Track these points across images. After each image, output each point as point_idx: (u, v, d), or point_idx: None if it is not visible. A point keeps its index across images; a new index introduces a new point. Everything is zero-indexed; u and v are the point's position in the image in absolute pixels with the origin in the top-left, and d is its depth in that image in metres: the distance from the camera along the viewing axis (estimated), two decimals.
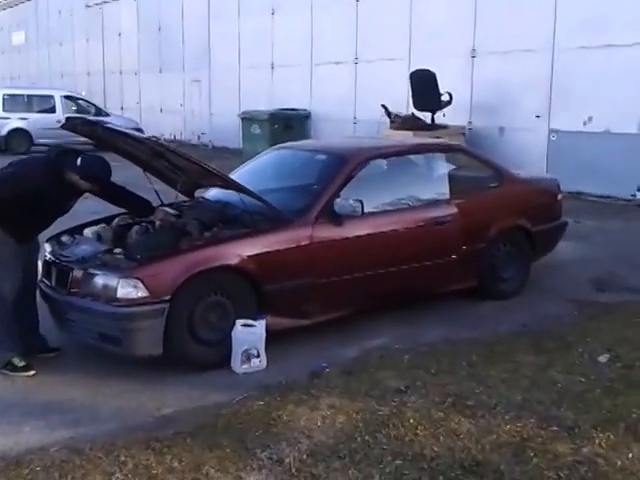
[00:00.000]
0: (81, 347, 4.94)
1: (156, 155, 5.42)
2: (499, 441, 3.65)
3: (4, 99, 19.68)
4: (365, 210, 5.11)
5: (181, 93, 20.98)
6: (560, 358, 4.74)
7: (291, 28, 16.09)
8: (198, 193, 6.05)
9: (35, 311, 4.93)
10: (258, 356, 4.70)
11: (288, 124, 14.20)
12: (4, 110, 19.50)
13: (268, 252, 4.85)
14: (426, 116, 12.05)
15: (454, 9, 12.48)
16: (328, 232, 5.07)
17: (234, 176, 6.11)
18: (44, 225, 4.84)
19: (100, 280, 4.53)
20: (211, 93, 19.58)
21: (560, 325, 5.45)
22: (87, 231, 5.36)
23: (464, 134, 11.91)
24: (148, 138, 5.19)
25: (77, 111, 20.42)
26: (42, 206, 4.61)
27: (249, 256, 4.74)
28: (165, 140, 20.92)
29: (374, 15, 13.97)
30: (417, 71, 11.96)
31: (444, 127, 11.85)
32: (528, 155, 11.19)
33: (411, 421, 3.86)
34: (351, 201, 4.99)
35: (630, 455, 3.48)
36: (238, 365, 4.66)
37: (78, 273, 4.67)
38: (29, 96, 20.24)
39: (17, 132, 19.30)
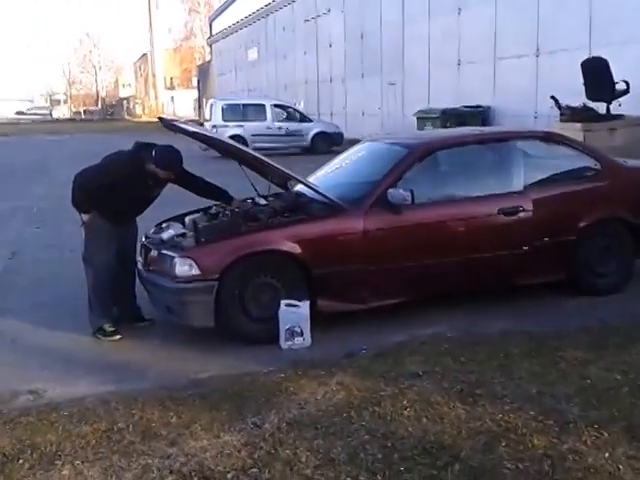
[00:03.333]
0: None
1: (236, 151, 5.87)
2: (480, 429, 3.53)
3: (223, 109, 21.77)
4: (426, 200, 5.16)
5: (379, 96, 21.54)
6: (611, 355, 4.37)
7: (476, 24, 15.89)
8: (290, 185, 6.39)
9: (132, 285, 5.59)
10: (302, 334, 4.94)
11: (461, 121, 14.03)
12: (223, 119, 21.57)
13: (318, 238, 5.07)
14: (599, 106, 11.20)
15: None
16: (383, 221, 5.15)
17: (327, 168, 6.42)
18: (134, 211, 5.50)
19: (166, 259, 5.09)
20: (404, 94, 19.88)
21: None
22: (188, 218, 5.96)
23: None
24: (205, 134, 5.64)
25: (286, 118, 22.01)
26: (128, 194, 5.25)
27: (298, 241, 5.00)
28: None
29: (554, 3, 13.30)
30: (588, 59, 11.16)
31: (620, 117, 10.91)
32: None
33: (404, 402, 3.86)
34: (401, 190, 5.04)
35: (607, 454, 3.20)
36: (283, 341, 4.94)
37: (154, 253, 5.28)
38: (244, 106, 22.15)
39: (234, 138, 21.15)
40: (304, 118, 21.94)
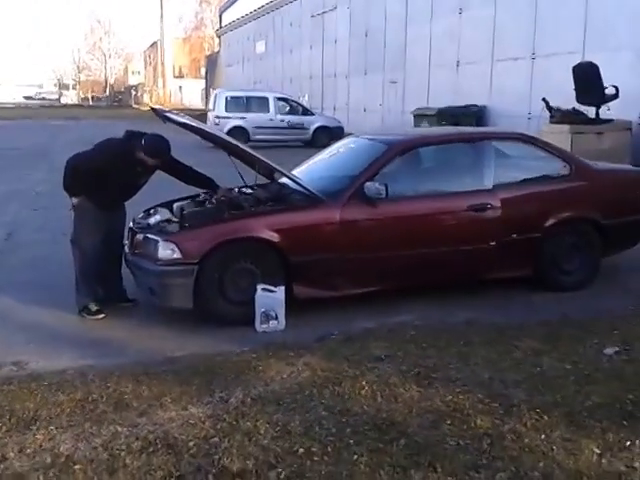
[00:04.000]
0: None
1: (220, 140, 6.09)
2: (430, 409, 3.76)
3: (227, 101, 22.03)
4: (401, 194, 5.44)
5: (380, 93, 21.76)
6: (566, 346, 4.59)
7: (475, 26, 16.13)
8: (277, 176, 6.61)
9: (119, 268, 5.81)
10: (276, 318, 5.17)
11: (456, 120, 14.23)
12: (227, 110, 21.79)
13: (296, 227, 5.31)
14: (588, 110, 11.42)
15: (625, 1, 11.78)
16: (359, 213, 5.39)
17: (312, 161, 6.66)
18: (123, 196, 5.72)
19: (151, 243, 5.32)
20: (405, 92, 20.10)
21: (602, 318, 5.17)
22: (176, 205, 6.18)
23: (631, 129, 11.09)
24: (194, 125, 5.81)
25: (289, 111, 22.20)
26: (118, 179, 5.47)
27: (276, 229, 5.23)
28: None
29: (551, 9, 13.55)
30: (579, 64, 11.40)
31: (608, 121, 11.13)
32: None
33: (363, 383, 4.08)
34: (377, 185, 5.28)
35: (544, 436, 3.42)
36: (258, 324, 5.18)
37: (139, 237, 5.52)
38: (247, 98, 22.41)
39: (237, 129, 21.39)
40: (306, 112, 22.16)
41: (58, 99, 78.63)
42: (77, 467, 3.25)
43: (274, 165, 5.71)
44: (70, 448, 3.43)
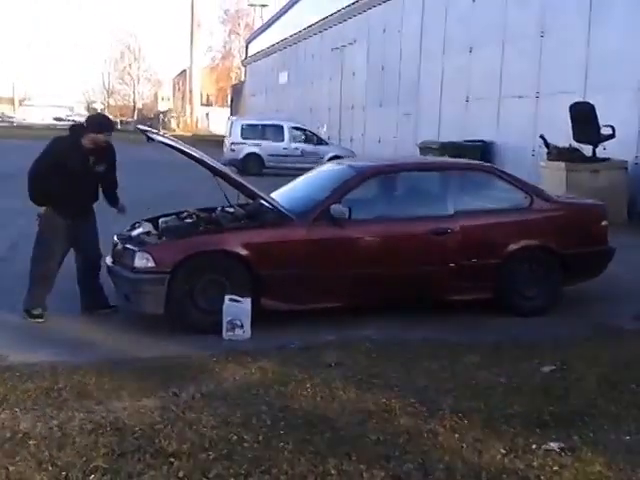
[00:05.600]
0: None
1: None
2: (362, 409, 4.05)
3: (242, 128, 22.70)
4: (365, 217, 5.93)
5: (394, 125, 22.21)
6: (507, 363, 4.85)
7: (484, 64, 16.60)
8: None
9: (96, 276, 6.08)
10: (242, 327, 5.50)
11: (458, 153, 14.54)
12: (242, 137, 22.45)
13: (264, 243, 5.70)
14: (584, 148, 11.71)
15: (625, 43, 12.16)
16: (325, 232, 5.78)
17: (292, 183, 7.07)
18: (83, 195, 5.89)
19: (129, 252, 5.72)
20: (417, 125, 20.53)
21: (552, 341, 5.41)
22: (161, 220, 6.57)
23: (627, 169, 11.35)
24: (173, 145, 6.18)
25: (304, 140, 22.74)
26: (73, 174, 5.66)
27: (246, 244, 5.61)
28: None
29: (554, 49, 13.96)
30: (576, 103, 11.72)
31: (604, 160, 11.40)
32: None
33: (308, 385, 4.39)
34: (341, 207, 5.67)
35: (457, 436, 3.69)
36: (225, 332, 5.51)
37: (119, 247, 5.93)
38: (263, 126, 23.07)
39: (252, 156, 22.05)
40: (320, 141, 22.72)
41: None
42: (31, 442, 3.59)
43: (249, 186, 6.13)
44: (29, 427, 3.78)
